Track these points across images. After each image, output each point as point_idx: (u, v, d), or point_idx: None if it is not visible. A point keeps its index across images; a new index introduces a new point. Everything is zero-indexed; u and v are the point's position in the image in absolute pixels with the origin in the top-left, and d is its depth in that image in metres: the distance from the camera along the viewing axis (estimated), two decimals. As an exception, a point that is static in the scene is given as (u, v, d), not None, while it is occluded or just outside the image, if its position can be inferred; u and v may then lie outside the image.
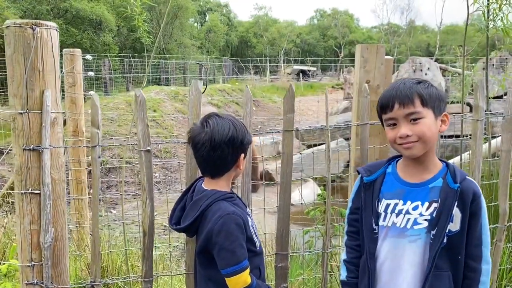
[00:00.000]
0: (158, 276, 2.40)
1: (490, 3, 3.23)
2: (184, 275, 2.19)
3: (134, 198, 8.68)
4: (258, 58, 34.30)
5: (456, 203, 1.52)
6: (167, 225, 1.71)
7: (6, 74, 1.86)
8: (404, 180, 1.62)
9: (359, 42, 48.97)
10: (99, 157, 1.93)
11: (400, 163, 1.68)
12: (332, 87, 27.47)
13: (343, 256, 1.78)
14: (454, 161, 4.68)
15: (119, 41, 26.39)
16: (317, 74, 33.24)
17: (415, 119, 1.52)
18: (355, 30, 56.40)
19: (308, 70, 32.04)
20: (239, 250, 1.59)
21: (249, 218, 1.73)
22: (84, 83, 16.96)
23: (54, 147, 1.91)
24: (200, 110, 2.06)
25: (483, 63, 11.93)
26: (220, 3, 53.51)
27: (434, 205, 1.55)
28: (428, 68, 11.75)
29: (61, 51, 4.35)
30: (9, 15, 19.88)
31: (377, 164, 1.73)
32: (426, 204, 1.56)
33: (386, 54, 2.88)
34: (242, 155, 1.70)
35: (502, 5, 3.07)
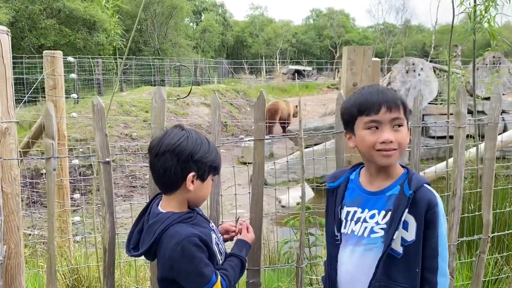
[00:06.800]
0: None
1: (475, 5, 3.13)
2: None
3: (124, 201, 8.56)
4: (253, 60, 34.14)
5: (407, 210, 1.44)
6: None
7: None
8: (363, 188, 1.59)
9: (355, 42, 48.96)
10: (54, 170, 1.81)
11: (364, 170, 1.63)
12: (328, 87, 27.32)
13: None
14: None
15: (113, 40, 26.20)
16: (312, 74, 33.04)
17: (399, 125, 1.47)
18: (351, 30, 56.36)
19: (304, 70, 31.85)
20: (206, 269, 1.51)
21: (213, 235, 1.62)
22: (77, 83, 16.49)
23: (5, 159, 1.80)
24: (164, 119, 1.95)
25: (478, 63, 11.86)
26: (215, 3, 53.39)
27: (390, 213, 1.49)
28: (421, 69, 11.66)
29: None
30: (1, 15, 19.68)
31: (343, 171, 1.70)
32: (383, 213, 1.51)
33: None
34: (192, 173, 1.53)
35: (489, 7, 2.97)
